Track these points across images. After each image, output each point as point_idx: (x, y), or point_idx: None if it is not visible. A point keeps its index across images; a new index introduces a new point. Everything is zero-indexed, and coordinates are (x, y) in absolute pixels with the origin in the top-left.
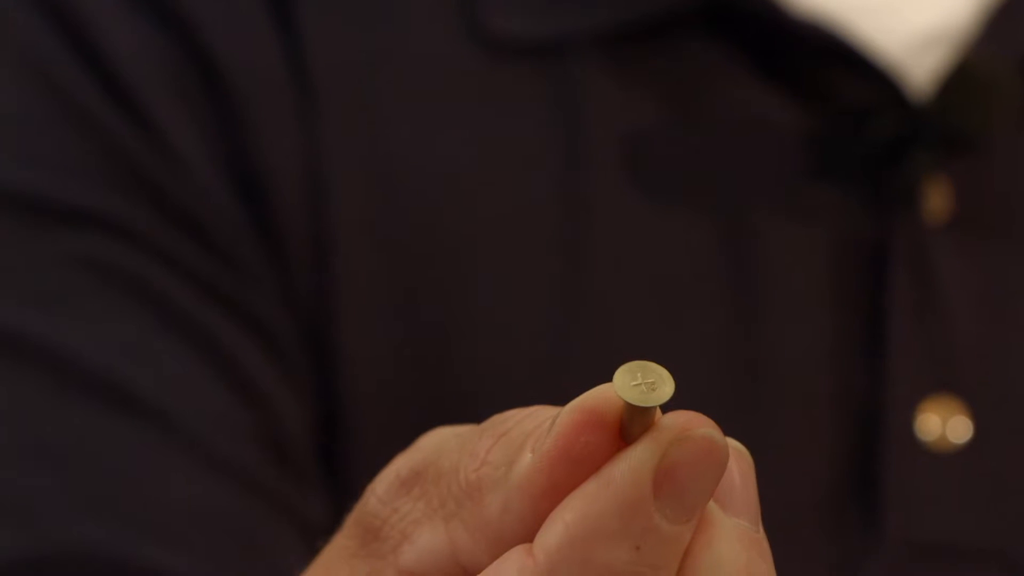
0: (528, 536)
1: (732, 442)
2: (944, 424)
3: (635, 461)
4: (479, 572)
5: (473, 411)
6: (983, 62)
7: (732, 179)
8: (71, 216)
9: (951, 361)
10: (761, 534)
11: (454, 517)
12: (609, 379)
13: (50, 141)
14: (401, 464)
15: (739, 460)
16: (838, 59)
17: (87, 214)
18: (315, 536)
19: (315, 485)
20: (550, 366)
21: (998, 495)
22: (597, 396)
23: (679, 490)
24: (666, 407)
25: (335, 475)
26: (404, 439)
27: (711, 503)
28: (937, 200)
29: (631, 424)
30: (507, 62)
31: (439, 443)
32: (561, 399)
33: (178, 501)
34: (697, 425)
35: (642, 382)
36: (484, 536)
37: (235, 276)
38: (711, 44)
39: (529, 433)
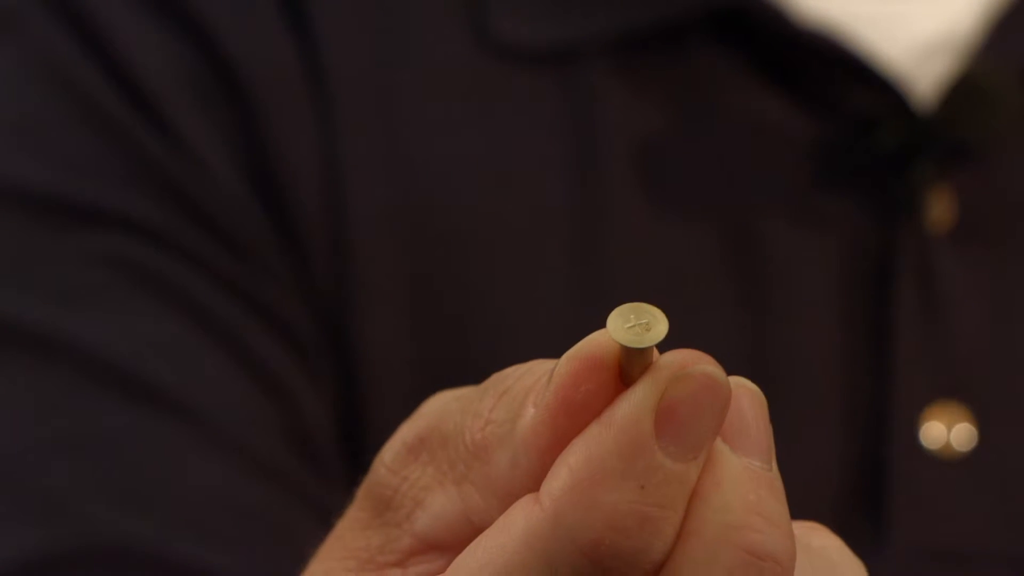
0: (539, 489)
1: (743, 381)
2: (949, 431)
3: (635, 401)
4: None
5: None
6: (986, 71)
7: (739, 185)
8: (93, 216)
9: (955, 368)
10: (774, 473)
11: (464, 479)
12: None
13: (71, 143)
14: (406, 432)
15: (750, 398)
16: (843, 68)
17: (109, 214)
18: None
19: (338, 478)
20: None
21: (1003, 501)
22: (592, 342)
23: (681, 428)
24: (663, 347)
25: (357, 468)
26: None
27: (720, 442)
28: (941, 208)
29: (629, 367)
30: (518, 67)
31: (441, 407)
32: None
33: (207, 494)
34: (696, 362)
35: (636, 323)
36: (495, 495)
37: (256, 274)
38: (719, 51)
39: (530, 388)
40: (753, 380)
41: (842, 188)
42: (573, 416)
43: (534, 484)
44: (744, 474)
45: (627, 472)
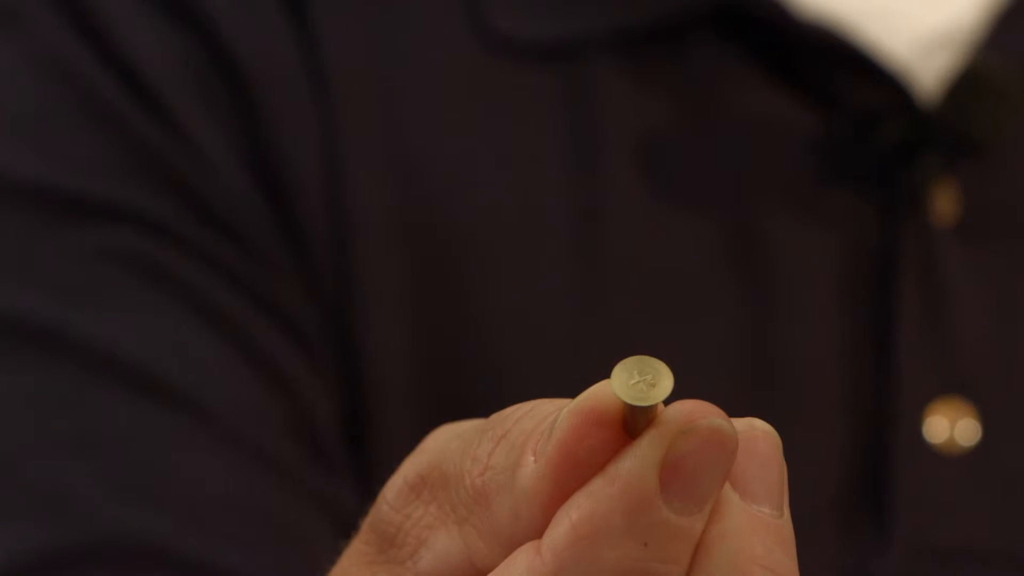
0: (540, 538)
1: (758, 422)
2: (952, 427)
3: (639, 457)
4: None
5: (494, 402)
6: (990, 65)
7: (743, 181)
8: (98, 211)
9: (959, 364)
10: (784, 520)
11: (465, 521)
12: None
13: (74, 138)
14: (408, 469)
15: (764, 441)
16: (846, 62)
17: (114, 209)
18: (347, 526)
19: (345, 475)
20: (566, 359)
21: (1007, 497)
22: (596, 397)
23: (687, 483)
24: (668, 399)
25: (363, 465)
26: (427, 429)
27: (728, 489)
28: (945, 203)
29: (634, 420)
30: (519, 63)
31: (442, 445)
32: (576, 394)
33: (214, 491)
34: (702, 415)
35: (640, 380)
36: (496, 540)
37: (261, 270)
38: (722, 47)
39: (529, 433)
40: (756, 377)
41: (845, 183)
42: (574, 469)
43: (536, 533)
44: (751, 524)
45: (630, 529)
